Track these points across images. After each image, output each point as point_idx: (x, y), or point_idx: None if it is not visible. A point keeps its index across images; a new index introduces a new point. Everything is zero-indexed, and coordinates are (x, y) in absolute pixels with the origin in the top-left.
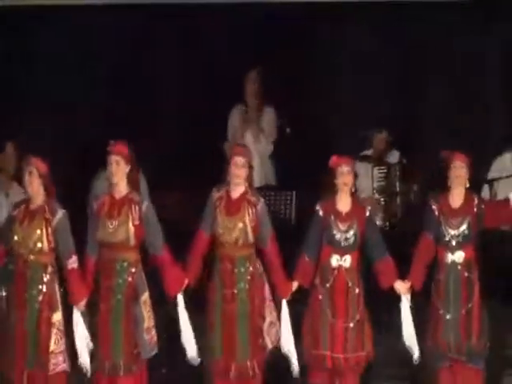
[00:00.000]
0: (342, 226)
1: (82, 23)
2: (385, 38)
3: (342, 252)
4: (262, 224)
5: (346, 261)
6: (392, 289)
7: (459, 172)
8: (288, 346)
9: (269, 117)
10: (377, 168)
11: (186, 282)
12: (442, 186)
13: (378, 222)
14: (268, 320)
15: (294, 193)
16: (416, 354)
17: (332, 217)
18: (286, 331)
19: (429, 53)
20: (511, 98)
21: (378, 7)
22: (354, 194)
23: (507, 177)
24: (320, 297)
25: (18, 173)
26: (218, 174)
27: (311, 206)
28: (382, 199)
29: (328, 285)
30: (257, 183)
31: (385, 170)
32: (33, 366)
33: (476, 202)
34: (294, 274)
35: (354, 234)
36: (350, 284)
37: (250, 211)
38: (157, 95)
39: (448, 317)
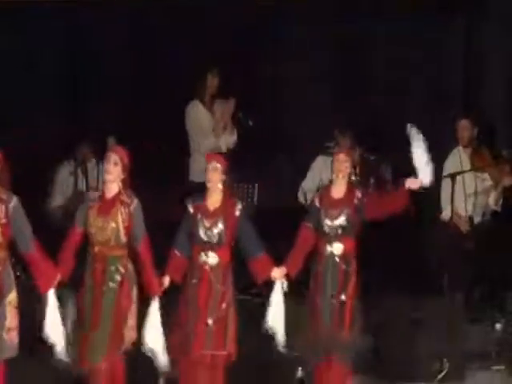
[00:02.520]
0: (207, 223)
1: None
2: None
3: (208, 249)
4: (135, 224)
5: (212, 258)
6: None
7: (342, 166)
8: (153, 343)
9: (223, 108)
10: None
11: (59, 277)
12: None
13: None
14: (130, 323)
15: (256, 185)
16: (280, 338)
17: (199, 214)
18: (153, 328)
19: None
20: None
21: None
22: (226, 191)
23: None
24: (186, 292)
25: None
26: None
27: (272, 199)
28: None
29: (194, 281)
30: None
31: None
32: None
33: (357, 194)
34: (165, 269)
35: (219, 233)
36: (213, 281)
37: (123, 211)
38: None
39: (324, 307)
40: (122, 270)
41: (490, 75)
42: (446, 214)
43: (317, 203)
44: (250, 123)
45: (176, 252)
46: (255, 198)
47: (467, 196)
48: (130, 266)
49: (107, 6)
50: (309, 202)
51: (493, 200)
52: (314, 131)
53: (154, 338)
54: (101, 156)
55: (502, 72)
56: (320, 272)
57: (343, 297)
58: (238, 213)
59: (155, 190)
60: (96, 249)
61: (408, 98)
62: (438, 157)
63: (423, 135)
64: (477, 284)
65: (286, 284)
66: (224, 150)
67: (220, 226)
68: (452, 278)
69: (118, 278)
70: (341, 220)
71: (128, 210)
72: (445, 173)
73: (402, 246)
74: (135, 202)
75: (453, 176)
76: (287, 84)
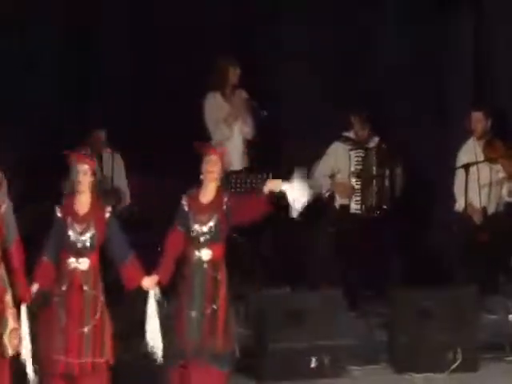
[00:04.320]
0: (79, 228)
1: None
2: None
3: (79, 254)
4: (6, 225)
5: (83, 263)
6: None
7: (212, 167)
8: (25, 350)
9: (243, 99)
10: (354, 152)
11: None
12: None
13: (353, 206)
14: (11, 325)
15: (271, 175)
16: (159, 352)
17: (69, 218)
18: (26, 336)
19: None
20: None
21: None
22: (94, 195)
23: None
24: (56, 299)
25: None
26: None
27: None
28: (358, 183)
29: (63, 287)
30: (237, 166)
31: (362, 154)
32: None
33: (225, 199)
34: (33, 276)
35: (91, 237)
36: (85, 287)
37: None
38: None
39: (193, 315)
40: None
41: (503, 67)
42: (459, 205)
43: (185, 207)
44: (265, 113)
45: (45, 259)
46: None
47: (481, 187)
48: (2, 268)
49: None
50: (321, 189)
51: (506, 191)
52: (329, 120)
53: (25, 347)
54: (116, 147)
55: None
56: (188, 278)
57: (214, 306)
58: (107, 215)
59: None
60: None
61: (421, 88)
62: (451, 148)
63: (437, 125)
64: (490, 274)
65: (158, 292)
66: (239, 140)
67: (91, 230)
68: (466, 269)
69: None
70: (210, 225)
71: None
72: (458, 164)
73: (414, 237)
74: (6, 203)
75: (466, 167)
76: (299, 74)
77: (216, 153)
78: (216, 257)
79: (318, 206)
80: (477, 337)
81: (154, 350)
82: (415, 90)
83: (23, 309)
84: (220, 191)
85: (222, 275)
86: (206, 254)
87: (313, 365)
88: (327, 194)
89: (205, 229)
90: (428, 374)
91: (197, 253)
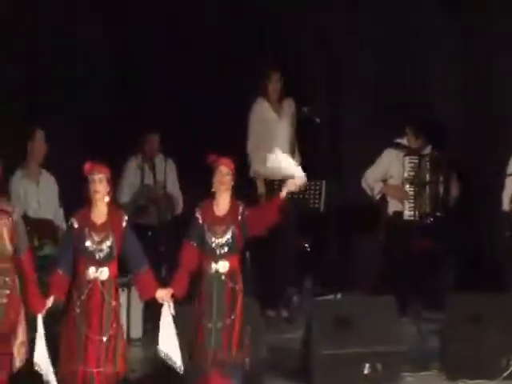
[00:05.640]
0: (97, 237)
1: None
2: None
3: (98, 264)
4: (18, 234)
5: (103, 273)
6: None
7: (225, 178)
8: (41, 360)
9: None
10: (408, 158)
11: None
12: None
13: (406, 212)
14: (20, 339)
15: (324, 182)
16: (178, 363)
17: (86, 228)
18: (40, 345)
19: None
20: None
21: None
22: (110, 204)
23: None
24: (76, 310)
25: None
26: None
27: (339, 195)
28: (412, 190)
29: (83, 297)
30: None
31: (415, 161)
32: None
33: (240, 210)
34: (49, 288)
35: (109, 246)
36: (106, 297)
37: (7, 221)
38: None
39: (210, 326)
40: (9, 283)
41: None
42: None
43: (199, 220)
44: (318, 120)
45: (59, 271)
46: (323, 195)
47: None
48: (16, 279)
49: None
50: (373, 192)
51: None
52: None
53: (42, 357)
54: (168, 151)
55: None
56: (206, 290)
57: (232, 316)
58: (124, 224)
59: None
60: None
61: (467, 96)
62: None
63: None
64: None
65: (172, 306)
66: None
67: (111, 239)
68: None
69: (7, 292)
70: (226, 237)
71: (11, 218)
72: (509, 170)
73: (467, 243)
74: (17, 211)
75: None
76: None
77: (228, 164)
78: (233, 268)
79: (371, 212)
80: None
81: (173, 362)
82: (468, 99)
83: (39, 319)
84: (234, 202)
85: (239, 286)
86: (223, 266)
87: (366, 371)
88: (378, 197)
89: (222, 241)
90: (480, 381)
91: (214, 265)
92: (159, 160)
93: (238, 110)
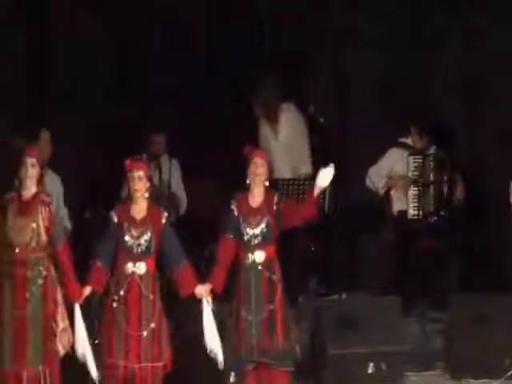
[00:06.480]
0: (135, 232)
1: None
2: None
3: (136, 259)
4: (54, 224)
5: (140, 267)
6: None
7: (260, 170)
8: (82, 349)
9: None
10: (412, 157)
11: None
12: None
13: (411, 212)
14: (61, 326)
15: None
16: (220, 357)
17: (126, 223)
18: (80, 335)
19: None
20: None
21: None
22: (149, 200)
23: None
24: (114, 304)
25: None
26: None
27: (344, 194)
28: (416, 189)
29: (122, 292)
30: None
31: (420, 160)
32: None
33: (275, 200)
34: (87, 278)
35: (147, 240)
36: (144, 291)
37: (43, 211)
38: None
39: (250, 318)
40: (44, 272)
41: None
42: None
43: (235, 212)
44: (322, 120)
45: (98, 263)
46: (327, 195)
47: None
48: (52, 268)
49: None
50: (377, 187)
51: None
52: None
53: (82, 346)
54: (173, 151)
55: None
56: (243, 282)
57: (271, 306)
58: (164, 220)
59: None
60: (16, 251)
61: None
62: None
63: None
64: None
65: (211, 301)
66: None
67: (148, 234)
68: None
69: (41, 281)
70: (261, 227)
71: (48, 208)
72: None
73: (472, 243)
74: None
75: None
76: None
77: (262, 155)
78: (269, 258)
79: (375, 211)
80: None
81: (216, 356)
82: (475, 100)
83: (77, 308)
84: (269, 193)
85: (277, 275)
86: (259, 256)
87: (370, 370)
88: (383, 191)
89: (257, 231)
90: (485, 380)
91: (250, 255)
92: (164, 160)
93: (238, 109)
